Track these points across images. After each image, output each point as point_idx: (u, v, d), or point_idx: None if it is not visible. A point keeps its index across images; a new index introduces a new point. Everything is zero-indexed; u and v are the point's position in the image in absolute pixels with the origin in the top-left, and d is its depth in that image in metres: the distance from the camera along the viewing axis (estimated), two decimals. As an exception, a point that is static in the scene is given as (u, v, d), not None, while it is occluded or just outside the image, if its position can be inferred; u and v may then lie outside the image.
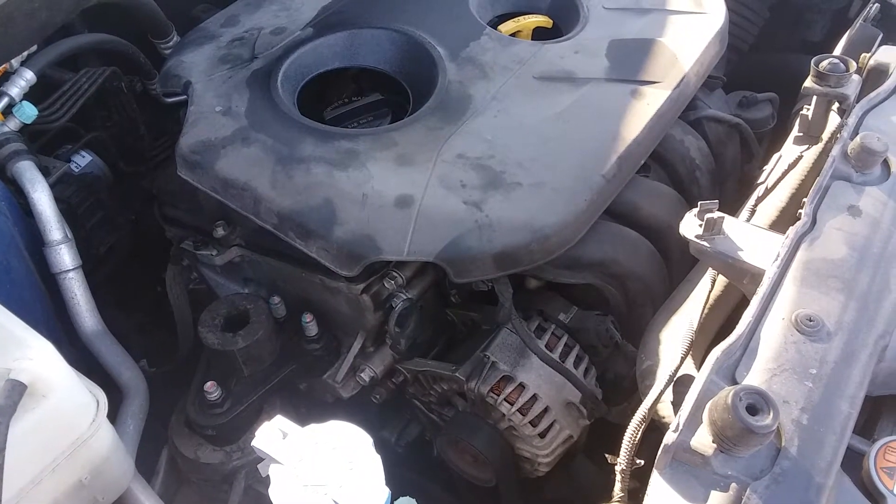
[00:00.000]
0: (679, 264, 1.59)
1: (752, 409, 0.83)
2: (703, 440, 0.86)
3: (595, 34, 1.57)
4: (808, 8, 2.19)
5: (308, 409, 1.49)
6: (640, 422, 1.08)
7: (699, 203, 1.11)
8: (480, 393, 1.37)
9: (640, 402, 1.16)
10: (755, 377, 0.92)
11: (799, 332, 0.97)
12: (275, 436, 0.90)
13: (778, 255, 1.05)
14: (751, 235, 1.12)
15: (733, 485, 0.84)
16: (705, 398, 0.89)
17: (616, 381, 1.51)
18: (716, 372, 0.92)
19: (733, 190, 1.79)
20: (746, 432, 0.82)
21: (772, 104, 1.88)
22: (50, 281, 1.44)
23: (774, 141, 1.85)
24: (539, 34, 1.67)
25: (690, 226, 1.12)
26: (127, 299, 1.89)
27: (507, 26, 1.63)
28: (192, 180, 1.32)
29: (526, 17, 1.67)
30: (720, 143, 1.74)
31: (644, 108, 1.45)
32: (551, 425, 1.39)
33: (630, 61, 1.52)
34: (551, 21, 1.69)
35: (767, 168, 1.51)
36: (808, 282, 1.03)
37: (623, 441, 1.08)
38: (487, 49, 1.50)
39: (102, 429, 1.04)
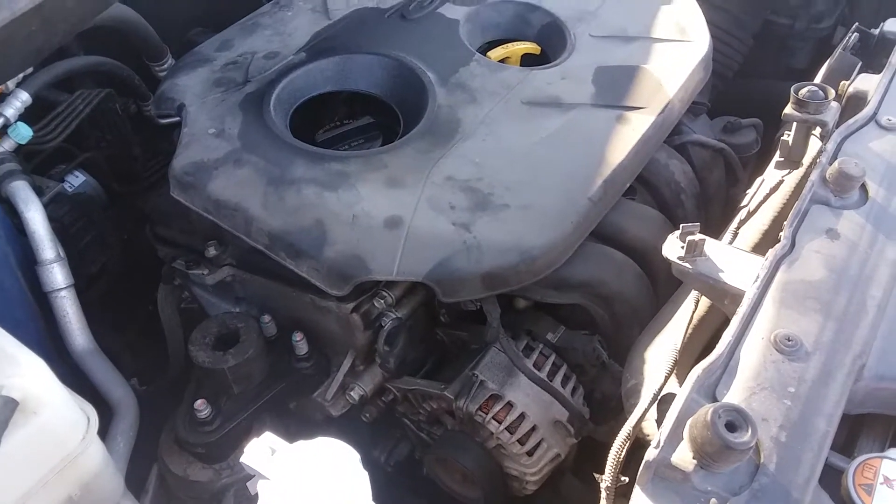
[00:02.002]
0: (665, 286, 1.61)
1: (731, 427, 0.85)
2: (683, 456, 0.88)
3: (581, 61, 1.61)
4: (791, 35, 2.24)
5: (298, 427, 1.50)
6: (624, 439, 1.10)
7: (681, 226, 1.13)
8: (469, 411, 1.38)
9: (626, 420, 1.19)
10: (735, 395, 0.94)
11: (778, 351, 0.99)
12: (263, 452, 0.92)
13: (758, 277, 1.07)
14: (732, 257, 1.14)
15: (713, 500, 0.85)
16: (686, 415, 0.91)
17: (603, 400, 1.53)
18: (696, 390, 0.94)
19: (718, 213, 1.83)
20: (725, 448, 0.84)
21: (756, 129, 1.92)
22: (42, 299, 1.46)
23: (759, 165, 1.89)
24: (527, 61, 1.71)
25: (673, 247, 1.15)
26: (118, 318, 1.90)
27: (497, 53, 1.67)
28: (185, 201, 1.34)
29: (514, 44, 1.70)
30: (705, 167, 1.77)
31: (629, 133, 1.48)
32: (539, 444, 1.41)
33: (616, 87, 1.55)
34: (539, 48, 1.72)
35: (750, 192, 1.54)
36: (786, 302, 1.06)
37: (608, 459, 1.10)
38: (476, 74, 1.53)
39: (93, 446, 1.05)
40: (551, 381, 1.42)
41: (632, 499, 0.88)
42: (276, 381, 1.39)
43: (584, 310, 1.50)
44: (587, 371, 1.50)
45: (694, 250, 1.12)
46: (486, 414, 1.38)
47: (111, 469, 1.13)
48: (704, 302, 1.33)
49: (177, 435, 1.33)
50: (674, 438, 0.90)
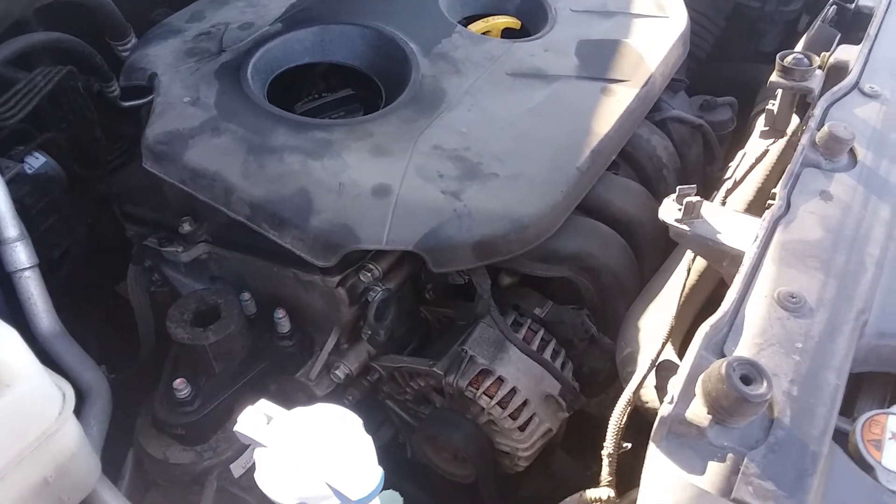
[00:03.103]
0: (648, 259, 1.61)
1: (746, 379, 0.83)
2: (697, 412, 0.85)
3: (563, 34, 1.59)
4: (761, 18, 2.26)
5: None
6: (625, 406, 1.08)
7: (678, 188, 1.12)
8: (459, 387, 1.35)
9: (619, 391, 1.16)
10: (743, 351, 0.93)
11: (782, 308, 0.98)
12: (259, 420, 0.87)
13: (757, 237, 1.06)
14: (728, 219, 1.13)
15: (730, 455, 0.83)
16: (697, 371, 0.89)
17: (591, 374, 1.51)
18: (705, 347, 0.92)
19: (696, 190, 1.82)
20: (741, 401, 0.82)
21: (731, 108, 1.93)
22: (5, 280, 1.38)
23: (734, 143, 1.90)
24: (507, 35, 1.68)
25: (669, 210, 1.13)
26: (81, 305, 1.82)
27: (477, 26, 1.64)
28: (159, 172, 1.28)
29: (495, 17, 1.68)
30: (684, 143, 1.77)
31: (614, 105, 1.47)
32: (531, 418, 1.38)
33: (598, 60, 1.54)
34: (519, 23, 1.70)
35: (733, 164, 1.54)
36: (787, 261, 1.05)
37: (609, 426, 1.08)
38: (459, 46, 1.50)
39: (69, 423, 0.98)
40: (541, 354, 1.39)
41: (647, 456, 0.86)
42: (257, 361, 1.33)
43: (569, 285, 1.48)
44: (576, 345, 1.48)
45: (691, 212, 1.11)
46: (477, 389, 1.35)
47: (87, 450, 1.06)
48: (696, 269, 1.32)
49: (155, 416, 1.26)
50: (686, 394, 0.87)
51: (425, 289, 1.46)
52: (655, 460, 0.85)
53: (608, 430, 1.08)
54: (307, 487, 0.80)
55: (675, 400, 0.86)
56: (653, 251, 1.62)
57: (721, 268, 1.13)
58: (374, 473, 0.82)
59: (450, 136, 1.33)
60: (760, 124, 1.59)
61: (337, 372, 1.39)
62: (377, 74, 1.49)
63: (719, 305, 1.00)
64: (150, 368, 1.63)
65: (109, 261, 1.85)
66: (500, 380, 1.36)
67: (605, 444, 1.08)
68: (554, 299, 1.50)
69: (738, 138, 1.90)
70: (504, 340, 1.39)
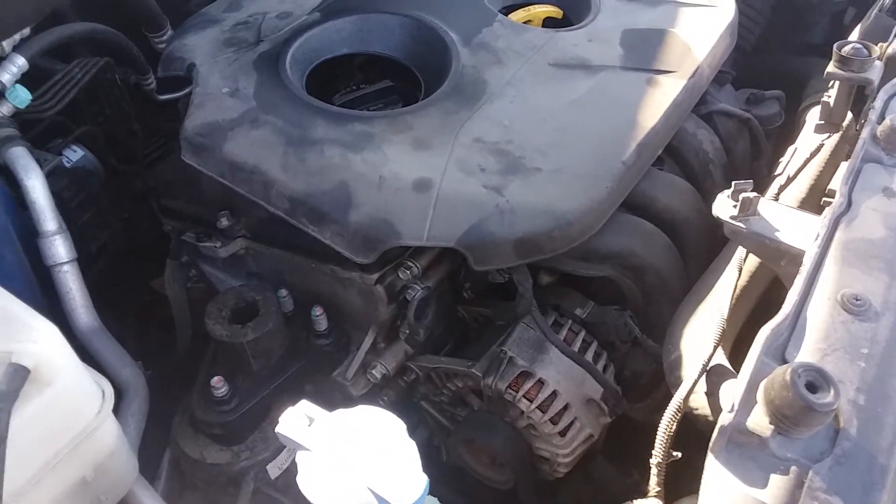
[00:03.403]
0: (694, 259, 1.55)
1: (812, 387, 0.79)
2: (759, 421, 0.81)
3: (607, 24, 1.54)
4: (808, 9, 2.18)
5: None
6: (674, 413, 1.04)
7: (733, 183, 1.07)
8: (498, 389, 1.31)
9: (664, 396, 1.12)
10: (806, 357, 0.88)
11: (846, 311, 0.93)
12: (300, 421, 0.84)
13: (818, 235, 1.01)
14: (786, 216, 1.08)
15: (794, 468, 0.79)
16: (757, 378, 0.84)
17: (633, 378, 1.46)
18: (765, 352, 0.88)
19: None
20: (807, 410, 0.77)
21: (779, 102, 1.86)
22: (43, 275, 1.37)
23: (781, 139, 1.84)
24: (549, 25, 1.64)
25: (724, 206, 1.08)
26: (116, 301, 1.82)
27: (518, 15, 1.60)
28: (198, 164, 1.26)
29: (536, 6, 1.63)
30: (731, 137, 1.71)
31: (660, 97, 1.42)
32: (572, 423, 1.34)
33: (644, 50, 1.49)
34: (561, 12, 1.66)
35: (784, 159, 1.48)
36: (849, 262, 1.00)
37: (657, 433, 1.04)
38: (500, 35, 1.46)
39: (108, 421, 0.97)
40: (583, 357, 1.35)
41: (706, 467, 0.82)
42: (294, 360, 1.31)
43: (611, 284, 1.44)
44: (618, 348, 1.43)
45: (748, 209, 1.06)
46: (517, 392, 1.31)
47: (126, 449, 1.04)
48: (747, 270, 1.27)
49: (192, 416, 1.25)
50: (747, 402, 0.83)
51: (463, 287, 1.43)
52: (714, 472, 0.81)
53: (657, 437, 1.04)
54: (350, 493, 0.77)
55: (736, 408, 0.82)
56: (698, 250, 1.57)
57: (778, 267, 1.08)
58: (420, 480, 0.79)
59: (491, 128, 1.29)
60: (812, 118, 1.53)
61: (374, 372, 1.36)
62: (416, 65, 1.46)
63: (771, 308, 0.95)
64: (185, 366, 1.63)
65: (145, 256, 1.85)
66: (541, 382, 1.32)
67: (653, 452, 1.04)
68: (594, 299, 1.45)
69: (786, 133, 1.84)
70: (544, 342, 1.35)
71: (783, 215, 1.08)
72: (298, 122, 1.25)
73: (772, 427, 0.81)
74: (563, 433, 1.34)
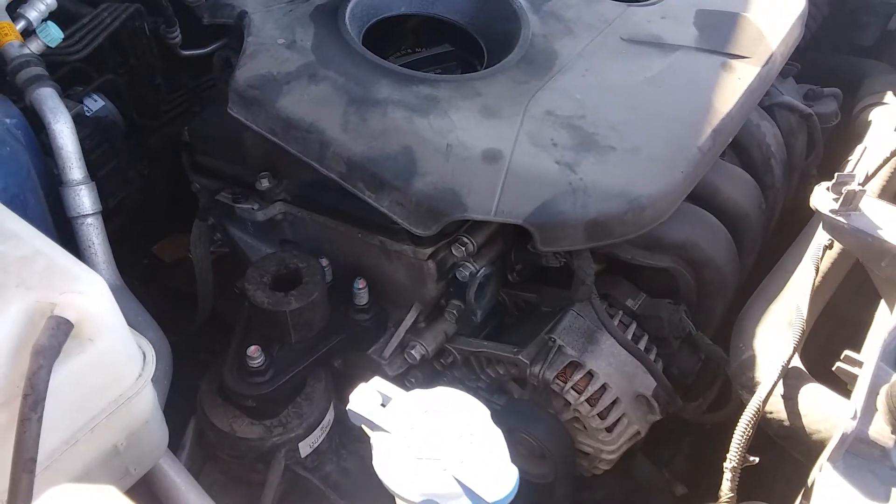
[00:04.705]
0: (748, 256, 1.48)
1: (943, 397, 0.72)
2: (881, 430, 0.74)
3: (681, 2, 1.46)
4: (863, 9, 2.11)
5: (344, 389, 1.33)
6: (753, 416, 0.97)
7: (835, 175, 0.99)
8: (545, 379, 1.24)
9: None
10: (925, 364, 0.81)
11: (962, 317, 0.86)
12: (374, 399, 0.76)
13: (926, 235, 0.94)
14: (888, 214, 1.00)
15: (920, 485, 0.72)
16: (877, 385, 0.77)
17: (680, 376, 1.39)
18: (883, 358, 0.80)
19: (796, 185, 1.70)
20: (940, 423, 0.70)
21: (836, 100, 1.79)
22: (64, 226, 1.27)
23: (833, 138, 1.77)
24: (617, -1, 1.55)
25: (824, 199, 1.01)
26: (126, 261, 1.72)
27: (585, -14, 1.50)
28: (246, 119, 1.17)
29: (604, -21, 1.54)
30: (791, 132, 1.64)
31: (735, 83, 1.34)
32: (620, 419, 1.27)
33: (718, 32, 1.41)
34: (631, -14, 1.57)
35: (853, 158, 1.41)
36: (959, 266, 0.93)
37: (734, 437, 0.97)
38: (571, 5, 1.38)
39: (147, 388, 0.88)
40: (637, 350, 1.28)
41: (821, 476, 0.74)
42: (333, 333, 1.22)
43: (664, 276, 1.36)
44: (670, 343, 1.36)
45: (850, 203, 0.98)
46: (565, 383, 1.23)
47: (160, 418, 0.96)
48: (823, 269, 1.20)
49: (222, 384, 1.15)
50: (867, 411, 0.76)
51: (514, 269, 1.34)
52: (831, 482, 0.74)
53: (732, 441, 0.97)
54: (433, 482, 0.69)
55: (859, 415, 0.74)
56: (753, 248, 1.50)
57: (877, 267, 1.01)
58: (511, 473, 0.71)
59: (563, 101, 1.20)
60: (878, 117, 1.47)
61: (412, 352, 1.28)
62: (478, 31, 1.37)
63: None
64: (201, 334, 1.54)
65: (154, 218, 1.75)
66: (591, 374, 1.24)
67: (729, 456, 0.97)
68: (646, 291, 1.38)
69: (837, 133, 1.77)
70: (595, 332, 1.27)
71: (886, 212, 1.00)
72: (361, 80, 1.15)
73: (894, 437, 0.74)
74: (610, 429, 1.26)
